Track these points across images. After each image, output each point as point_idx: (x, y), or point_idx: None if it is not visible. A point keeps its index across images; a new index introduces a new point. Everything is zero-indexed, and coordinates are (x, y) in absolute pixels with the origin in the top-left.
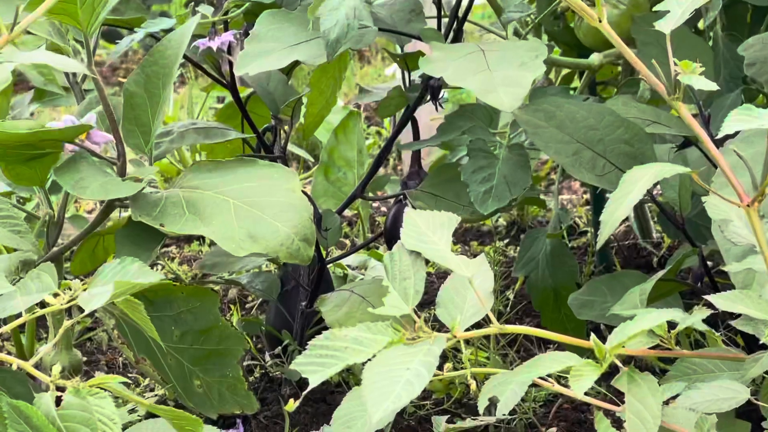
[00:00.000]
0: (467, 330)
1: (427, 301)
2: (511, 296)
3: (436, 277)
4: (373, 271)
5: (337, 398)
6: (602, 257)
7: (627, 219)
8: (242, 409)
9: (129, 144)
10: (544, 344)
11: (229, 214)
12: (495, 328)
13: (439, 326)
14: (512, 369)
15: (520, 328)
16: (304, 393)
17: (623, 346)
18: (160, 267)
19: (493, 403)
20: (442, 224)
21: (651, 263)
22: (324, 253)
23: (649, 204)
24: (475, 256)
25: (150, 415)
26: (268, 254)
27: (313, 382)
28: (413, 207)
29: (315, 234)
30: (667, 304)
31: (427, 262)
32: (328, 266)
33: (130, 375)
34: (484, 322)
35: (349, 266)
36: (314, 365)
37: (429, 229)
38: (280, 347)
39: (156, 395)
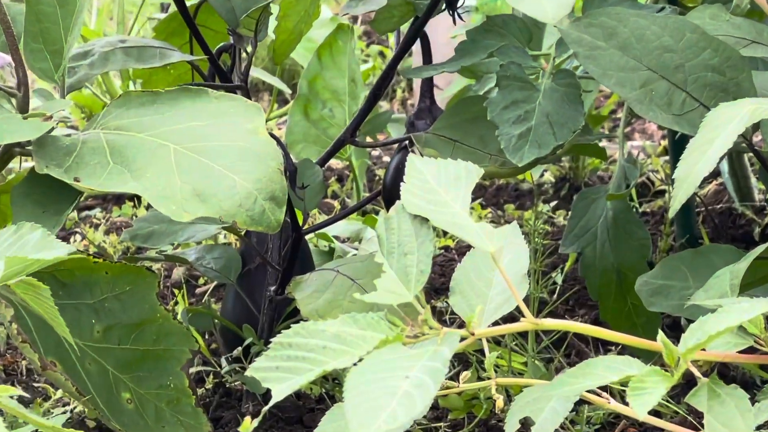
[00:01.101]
0: (492, 325)
1: (443, 287)
2: (559, 279)
3: (457, 253)
4: (370, 244)
5: (318, 419)
6: (684, 227)
7: (718, 175)
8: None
9: (33, 69)
10: (604, 346)
11: (168, 164)
12: (528, 322)
13: (458, 321)
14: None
15: (564, 324)
16: (265, 409)
17: (702, 349)
18: (79, 238)
19: (527, 427)
20: (458, 178)
21: (750, 235)
22: (301, 218)
23: (749, 155)
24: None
25: None
26: (223, 219)
27: (278, 394)
28: (422, 155)
29: (286, 191)
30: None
31: (445, 233)
32: (307, 237)
33: (36, 385)
34: (517, 315)
35: (336, 238)
36: (280, 371)
37: (440, 185)
38: (240, 348)
39: (70, 412)
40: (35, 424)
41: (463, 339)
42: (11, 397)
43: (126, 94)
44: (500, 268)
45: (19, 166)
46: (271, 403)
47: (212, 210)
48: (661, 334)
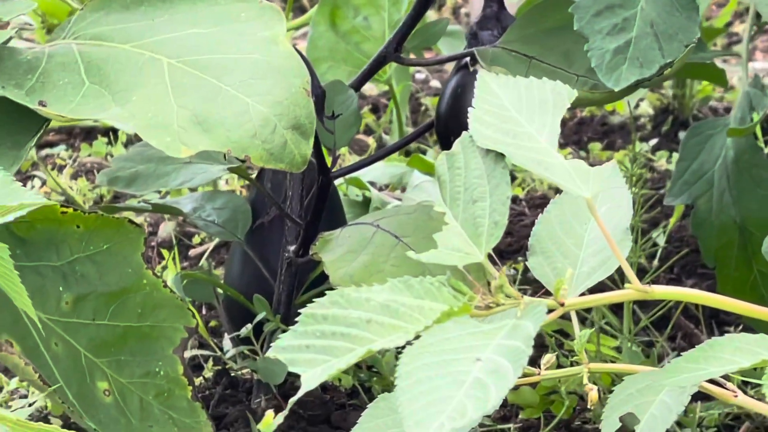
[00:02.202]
0: (584, 294)
1: (510, 249)
2: (662, 239)
3: (528, 206)
4: (416, 192)
5: (351, 418)
6: None
7: None
8: None
9: None
10: (719, 326)
11: (161, 83)
12: (634, 289)
13: (535, 292)
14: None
15: (683, 292)
16: (293, 401)
17: None
18: (38, 183)
19: (627, 427)
20: (545, 103)
21: None
22: (329, 158)
23: None
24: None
25: None
26: (231, 154)
27: (310, 381)
28: None
29: (314, 118)
30: None
31: (512, 179)
32: (338, 183)
33: None
34: (610, 284)
35: (372, 184)
36: (312, 351)
37: (521, 112)
38: (249, 326)
39: (28, 406)
40: None
41: (551, 310)
42: None
43: None
44: (598, 219)
45: None
46: (300, 393)
47: (218, 142)
48: None
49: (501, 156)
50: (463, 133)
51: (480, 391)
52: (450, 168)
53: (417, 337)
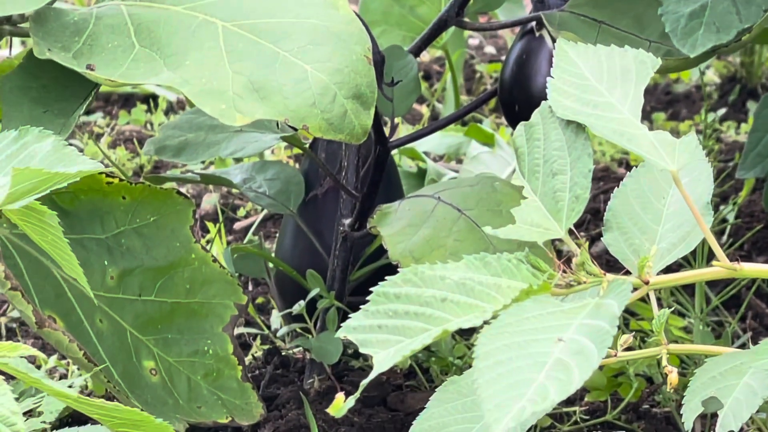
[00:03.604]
0: (663, 272)
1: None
2: (731, 215)
3: (594, 178)
4: (474, 163)
5: (408, 400)
6: None
7: None
8: (233, 415)
9: None
10: None
11: (215, 47)
12: (723, 266)
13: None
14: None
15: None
16: (365, 383)
17: None
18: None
19: (708, 411)
20: (627, 71)
21: None
22: (387, 128)
23: None
24: None
25: (65, 423)
26: (289, 123)
27: (383, 363)
28: (554, 42)
29: (375, 87)
30: None
31: None
32: (393, 153)
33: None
34: (686, 264)
35: (426, 154)
36: (384, 331)
37: (602, 81)
38: (301, 302)
39: (72, 387)
40: (54, 393)
41: (636, 288)
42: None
43: None
44: (684, 192)
45: (9, 50)
46: (373, 375)
47: (275, 110)
48: None
49: (582, 127)
50: (542, 102)
51: (562, 373)
52: (529, 139)
53: (495, 316)
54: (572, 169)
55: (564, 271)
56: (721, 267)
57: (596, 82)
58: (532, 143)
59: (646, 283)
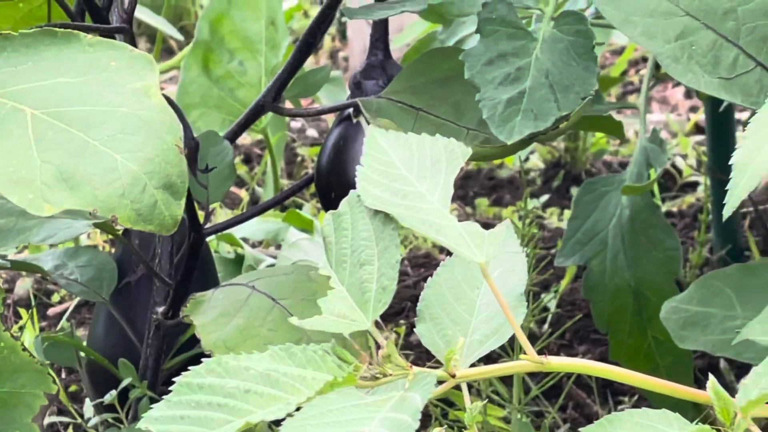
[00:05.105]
0: (475, 365)
1: (391, 311)
2: (553, 304)
3: (411, 266)
4: (292, 250)
5: None
6: (725, 233)
7: None
8: None
9: None
10: (614, 395)
11: (23, 135)
12: (530, 360)
13: (412, 356)
14: None
15: (574, 363)
16: None
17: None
18: None
19: None
20: (438, 161)
21: None
22: (201, 215)
23: None
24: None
25: None
26: (98, 213)
27: None
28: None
29: (186, 177)
30: None
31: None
32: (209, 240)
33: None
34: (502, 354)
35: (245, 240)
36: (187, 423)
37: (412, 170)
38: (113, 392)
39: None
40: None
41: (441, 382)
42: None
43: None
44: (492, 285)
45: None
46: None
47: (84, 200)
48: (712, 380)
49: (390, 217)
50: (351, 192)
51: None
52: (336, 229)
53: (299, 408)
54: (380, 260)
55: (370, 364)
56: (529, 360)
57: (406, 171)
58: (339, 233)
59: (453, 376)
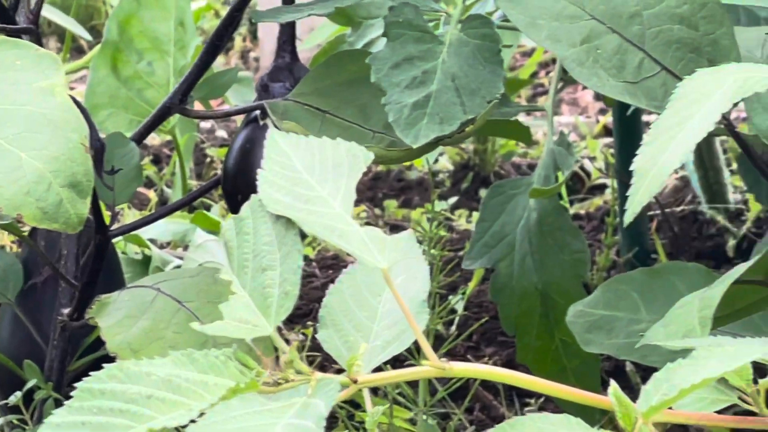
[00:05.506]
0: (377, 370)
1: (299, 313)
2: (460, 306)
3: (319, 267)
4: (199, 251)
5: None
6: (632, 236)
7: (681, 166)
8: None
9: None
10: (520, 397)
11: None
12: (432, 366)
13: (317, 361)
14: None
15: (477, 369)
16: None
17: (669, 407)
18: None
19: None
20: (339, 165)
21: (722, 249)
22: (108, 216)
23: (723, 138)
24: (393, 228)
25: None
26: (2, 211)
27: None
28: (279, 130)
29: (92, 176)
30: (751, 327)
31: (304, 236)
32: (116, 241)
33: None
34: (407, 356)
35: (152, 241)
36: (87, 429)
37: (314, 175)
38: (18, 393)
39: None
40: None
41: (344, 387)
42: None
43: None
44: (394, 291)
45: None
46: None
47: None
48: (613, 385)
49: (292, 222)
50: (252, 196)
51: None
52: (238, 233)
53: (201, 414)
54: (282, 265)
55: (273, 369)
56: (431, 366)
57: (308, 175)
58: (241, 237)
59: (355, 381)
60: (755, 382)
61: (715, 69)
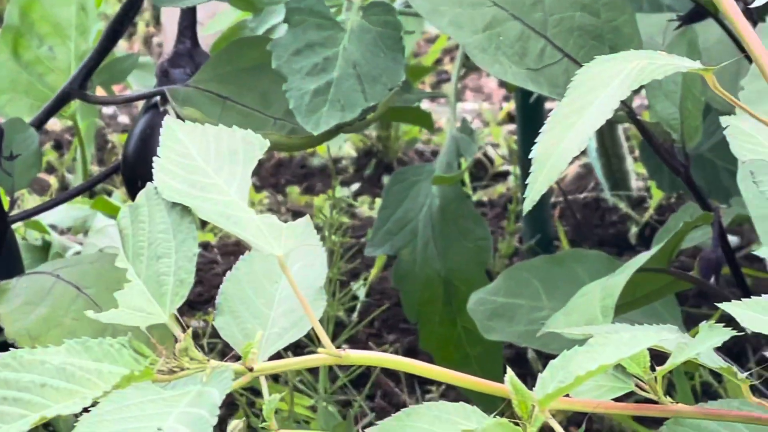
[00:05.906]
0: (274, 357)
1: (201, 300)
2: (362, 292)
3: (220, 253)
4: (99, 236)
5: None
6: (534, 223)
7: (583, 154)
8: None
9: None
10: (422, 384)
11: None
12: (327, 354)
13: (219, 347)
14: None
15: (378, 357)
16: None
17: (566, 394)
18: None
19: None
20: (235, 153)
21: (625, 236)
22: (6, 201)
23: (626, 126)
24: (295, 214)
25: None
26: None
27: None
28: (179, 117)
29: None
30: (652, 315)
31: (204, 224)
32: (14, 226)
33: None
34: (308, 343)
35: (53, 228)
36: None
37: (209, 162)
38: None
39: None
40: None
41: (238, 376)
42: None
43: None
44: (290, 278)
45: None
46: None
47: None
48: (510, 374)
49: (188, 209)
50: (148, 184)
51: None
52: (133, 221)
53: (95, 402)
54: (177, 253)
55: (167, 357)
56: (327, 354)
57: (204, 163)
58: (137, 225)
59: (251, 369)
60: (653, 369)
61: (615, 56)
